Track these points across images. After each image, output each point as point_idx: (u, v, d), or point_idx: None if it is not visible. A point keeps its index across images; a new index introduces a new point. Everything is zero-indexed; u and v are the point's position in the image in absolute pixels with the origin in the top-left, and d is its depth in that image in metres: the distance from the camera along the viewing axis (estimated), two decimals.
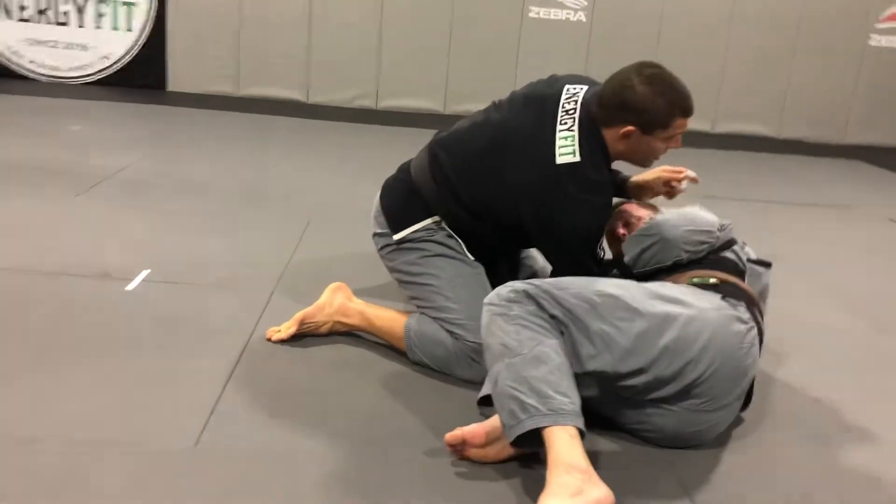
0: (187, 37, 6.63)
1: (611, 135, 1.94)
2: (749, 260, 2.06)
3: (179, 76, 6.74)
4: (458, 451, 1.65)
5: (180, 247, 2.88)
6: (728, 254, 2.05)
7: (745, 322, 1.75)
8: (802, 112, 7.15)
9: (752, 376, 1.84)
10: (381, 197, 2.24)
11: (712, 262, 2.00)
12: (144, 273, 2.57)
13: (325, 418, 1.82)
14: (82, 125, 4.96)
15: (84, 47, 6.61)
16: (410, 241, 2.15)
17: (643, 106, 1.89)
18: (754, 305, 1.93)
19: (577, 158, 1.90)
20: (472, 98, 6.91)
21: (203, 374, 1.97)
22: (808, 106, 7.13)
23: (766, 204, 4.47)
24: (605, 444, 1.81)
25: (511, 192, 1.97)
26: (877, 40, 7.03)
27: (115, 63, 6.66)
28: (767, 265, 2.10)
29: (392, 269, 2.24)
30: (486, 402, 1.72)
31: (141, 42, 6.64)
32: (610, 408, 1.83)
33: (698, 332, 1.68)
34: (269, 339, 2.18)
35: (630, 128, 1.91)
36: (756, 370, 1.84)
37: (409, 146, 5.47)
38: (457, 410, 1.87)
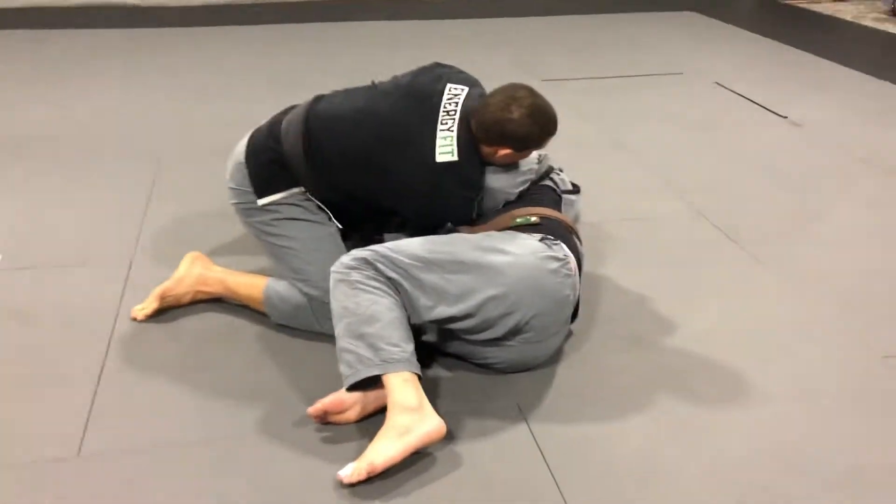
0: None
1: (487, 150, 2.12)
2: (563, 191, 2.28)
3: None
4: (322, 419, 1.86)
5: (27, 221, 2.85)
6: (547, 182, 2.27)
7: (559, 259, 1.98)
8: None
9: (576, 297, 2.09)
10: (248, 157, 2.23)
11: (533, 193, 2.22)
12: None
13: (203, 400, 1.96)
14: None
15: None
16: (271, 205, 2.23)
17: (523, 136, 2.09)
18: (572, 232, 2.17)
19: (455, 158, 2.06)
20: None
21: (75, 370, 2.05)
22: None
23: (601, 81, 4.69)
24: (451, 379, 2.05)
25: (392, 186, 2.11)
26: None
27: None
28: (577, 191, 2.33)
29: (247, 224, 2.32)
30: (354, 389, 1.88)
31: None
32: (455, 347, 2.07)
33: (516, 279, 1.90)
34: (134, 319, 2.27)
35: (507, 150, 2.11)
36: (578, 291, 2.10)
37: (255, 51, 5.35)
38: (321, 368, 2.05)
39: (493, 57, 5.11)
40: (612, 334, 2.27)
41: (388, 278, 1.91)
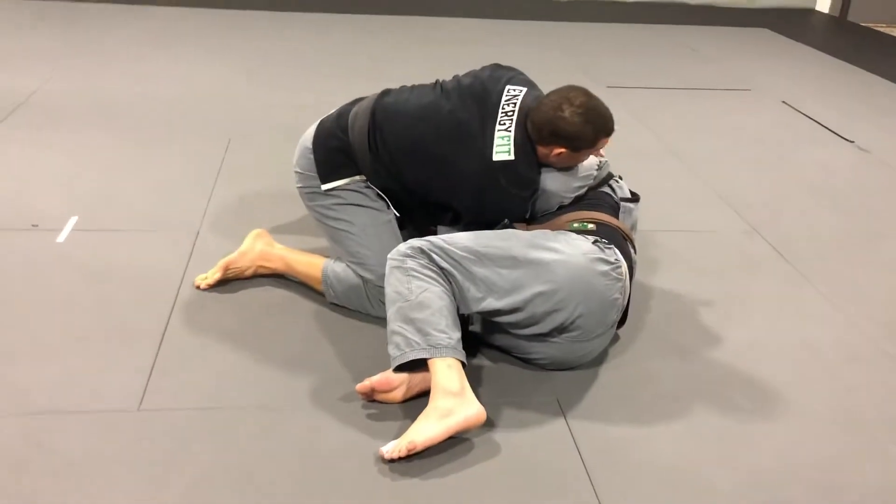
0: None
1: (543, 150, 2.16)
2: (622, 199, 2.32)
3: None
4: (368, 396, 1.93)
5: (103, 186, 2.99)
6: (605, 188, 2.31)
7: (610, 262, 2.02)
8: None
9: (625, 302, 2.14)
10: (315, 144, 2.32)
11: (591, 199, 2.26)
12: (73, 221, 2.70)
13: (257, 368, 2.06)
14: None
15: None
16: (334, 190, 2.32)
17: (574, 135, 2.11)
18: (627, 240, 2.21)
19: (511, 157, 2.12)
20: None
21: (139, 330, 2.17)
22: None
23: (666, 91, 4.69)
24: (495, 371, 2.11)
25: (450, 181, 2.18)
26: None
27: None
28: (636, 200, 2.36)
29: (310, 207, 2.42)
30: (401, 370, 1.95)
31: None
32: (500, 339, 2.13)
33: (565, 278, 1.95)
34: (197, 287, 2.39)
35: (561, 150, 2.14)
36: (627, 297, 2.14)
37: (333, 40, 5.48)
38: (370, 348, 2.13)
39: (560, 60, 5.14)
40: (657, 342, 2.30)
41: (441, 268, 1.98)
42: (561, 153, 2.15)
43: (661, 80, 4.89)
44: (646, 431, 1.94)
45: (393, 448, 1.75)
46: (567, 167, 2.23)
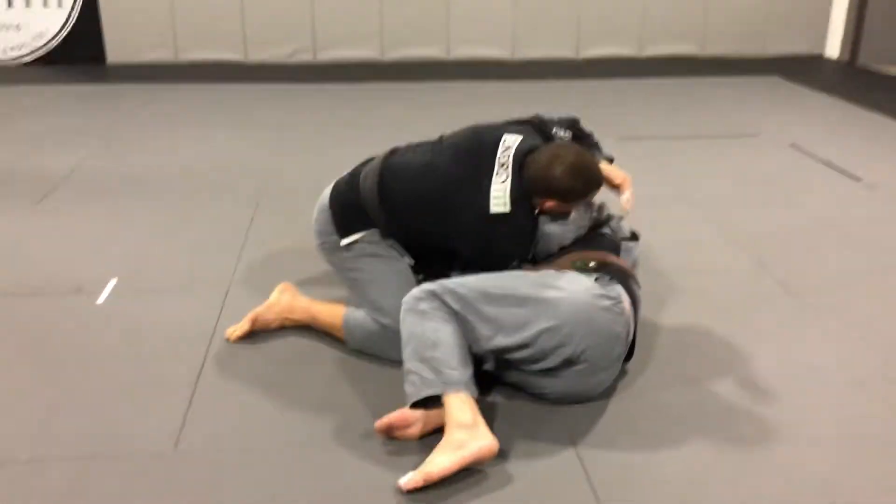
0: (120, 5, 6.70)
1: (538, 201, 2.31)
2: (622, 238, 2.45)
3: (116, 47, 6.84)
4: (387, 433, 2.05)
5: (140, 250, 3.19)
6: (605, 230, 2.45)
7: (611, 297, 2.14)
8: (723, 28, 7.46)
9: (629, 337, 2.24)
10: (331, 202, 2.51)
11: (591, 239, 2.41)
12: (112, 283, 2.89)
13: (284, 411, 2.19)
14: (27, 116, 5.13)
15: (17, 27, 6.67)
16: (351, 244, 2.48)
17: (565, 190, 2.26)
18: (629, 277, 2.33)
19: (507, 209, 2.26)
20: (409, 44, 7.13)
21: (174, 379, 2.33)
22: (728, 21, 7.44)
23: (676, 140, 4.83)
24: (507, 406, 2.22)
25: (453, 233, 2.34)
26: None
27: (50, 40, 6.73)
28: (635, 239, 2.49)
29: (330, 262, 2.59)
30: (416, 407, 2.07)
31: (74, 16, 6.70)
32: (512, 376, 2.24)
33: (569, 314, 2.07)
34: (227, 339, 2.54)
35: (553, 202, 2.30)
36: (630, 330, 2.24)
37: (348, 107, 5.75)
38: (389, 390, 2.25)
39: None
40: (664, 374, 2.39)
41: (453, 310, 2.11)
42: (553, 205, 2.30)
43: (672, 131, 5.03)
44: (653, 457, 2.03)
45: (410, 479, 1.86)
46: (563, 213, 2.37)
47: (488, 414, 2.14)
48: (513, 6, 7.12)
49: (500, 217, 2.27)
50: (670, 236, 3.38)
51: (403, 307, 2.15)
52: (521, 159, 2.30)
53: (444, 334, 2.06)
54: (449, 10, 7.09)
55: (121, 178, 4.06)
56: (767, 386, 2.34)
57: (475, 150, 2.37)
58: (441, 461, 1.88)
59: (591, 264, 2.28)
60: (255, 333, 2.56)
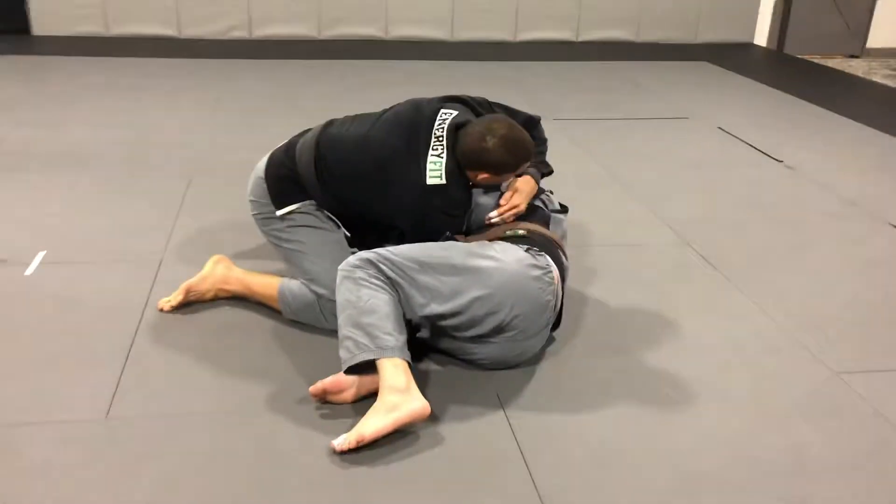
0: None
1: (471, 174, 2.36)
2: (552, 210, 2.52)
3: (43, 19, 6.63)
4: (322, 398, 2.09)
5: (70, 223, 3.14)
6: (537, 202, 2.52)
7: (541, 267, 2.21)
8: (658, 15, 7.63)
9: (558, 305, 2.32)
10: (267, 174, 2.51)
11: (525, 211, 2.46)
12: (41, 255, 2.84)
13: (218, 379, 2.21)
14: None
15: None
16: (286, 214, 2.50)
17: (497, 162, 2.32)
18: (557, 247, 2.41)
19: (443, 181, 2.30)
20: (347, 22, 7.10)
21: (106, 350, 2.31)
22: (664, 8, 7.61)
23: (607, 122, 4.95)
24: (440, 372, 2.28)
25: (390, 205, 2.37)
26: None
27: None
28: (565, 211, 2.57)
29: (265, 233, 2.60)
30: (351, 372, 2.11)
31: None
32: (445, 343, 2.30)
33: (501, 283, 2.14)
34: (160, 310, 2.53)
35: (486, 175, 2.35)
36: (559, 299, 2.32)
37: (285, 85, 5.72)
38: (324, 358, 2.28)
39: (509, 97, 5.39)
40: (590, 342, 2.48)
41: (388, 277, 2.15)
42: (485, 177, 2.35)
43: (605, 113, 5.15)
44: (578, 418, 2.12)
45: (343, 440, 1.91)
46: (496, 186, 2.42)
47: (422, 380, 2.20)
48: None
49: (435, 188, 2.31)
50: (599, 213, 3.48)
51: (340, 274, 2.18)
52: (454, 132, 2.35)
53: (379, 301, 2.10)
54: None
55: (49, 150, 3.96)
56: (689, 353, 2.45)
57: (414, 122, 2.41)
58: (374, 423, 1.93)
59: (521, 232, 2.35)
60: (189, 304, 2.56)
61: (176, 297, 2.54)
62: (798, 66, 7.18)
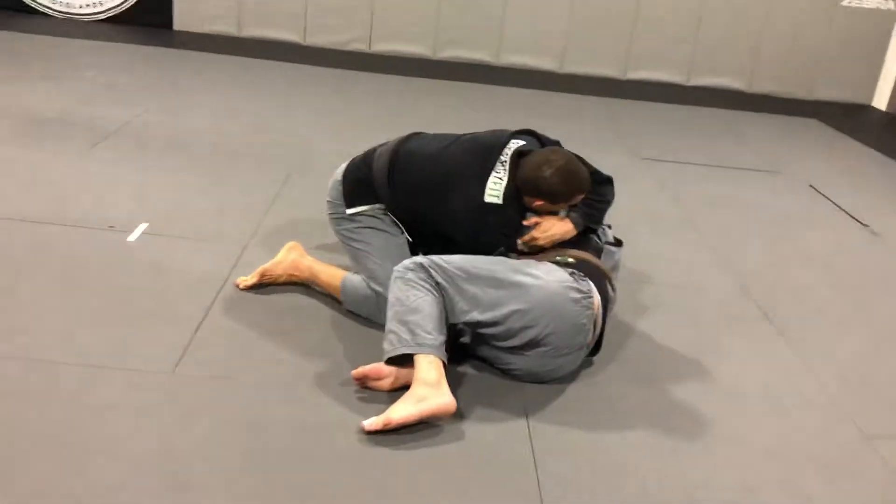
0: None
1: (528, 200, 2.55)
2: (606, 242, 2.65)
3: (184, 16, 7.20)
4: (362, 382, 2.28)
5: (175, 201, 3.48)
6: (592, 234, 2.65)
7: (582, 291, 2.35)
8: (773, 67, 7.55)
9: (596, 331, 2.44)
10: (344, 177, 2.77)
11: (577, 240, 2.62)
12: (143, 226, 3.17)
13: (277, 352, 2.45)
14: (94, 70, 5.48)
15: None
16: (356, 215, 2.73)
17: (551, 191, 2.49)
18: (605, 278, 2.53)
19: (500, 202, 2.50)
20: (461, 45, 7.38)
21: (183, 314, 2.59)
22: (779, 61, 7.53)
23: (696, 166, 4.98)
24: (475, 377, 2.44)
25: (447, 217, 2.57)
26: (848, 1, 7.37)
27: (124, 1, 7.12)
28: (619, 244, 2.69)
29: (336, 232, 2.83)
30: (391, 363, 2.29)
31: None
32: (484, 351, 2.46)
33: (539, 299, 2.29)
34: (236, 286, 2.80)
35: (541, 202, 2.53)
36: (598, 325, 2.44)
37: (394, 100, 5.98)
38: (371, 348, 2.47)
39: (602, 133, 5.51)
40: (624, 371, 2.59)
41: (436, 282, 2.33)
42: (540, 204, 2.52)
43: (696, 157, 5.19)
44: (595, 437, 2.23)
45: (372, 421, 2.09)
46: (549, 212, 2.58)
47: (457, 381, 2.37)
48: (567, 20, 7.32)
49: (491, 207, 2.49)
50: (667, 254, 3.56)
51: (394, 275, 2.38)
52: (517, 160, 2.52)
53: (424, 303, 2.28)
54: (504, 16, 7.31)
55: (168, 135, 4.36)
56: (718, 395, 2.52)
57: (486, 146, 2.60)
58: (402, 410, 2.11)
59: (570, 260, 2.49)
60: (262, 286, 2.82)
61: (252, 278, 2.81)
62: None
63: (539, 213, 2.58)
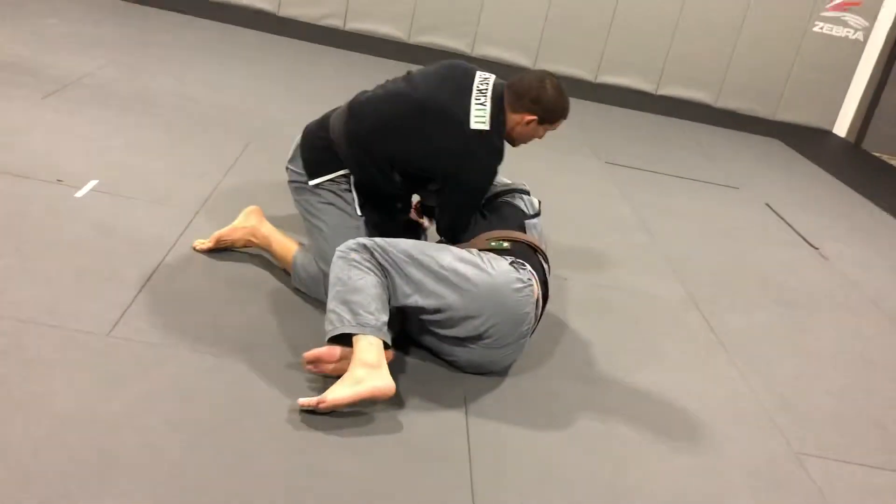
0: None
1: (515, 118, 2.56)
2: (533, 214, 2.71)
3: None
4: (314, 365, 2.23)
5: (128, 160, 3.39)
6: (517, 202, 2.72)
7: (523, 281, 2.35)
8: (741, 85, 7.65)
9: (537, 312, 2.44)
10: (302, 145, 2.72)
11: (503, 210, 2.70)
12: (93, 183, 3.08)
13: (217, 324, 2.40)
14: (58, 18, 5.32)
15: None
16: (319, 187, 2.68)
17: (549, 104, 2.55)
18: (538, 252, 2.56)
19: (487, 127, 2.50)
20: (437, 31, 7.33)
21: (126, 277, 2.52)
22: (747, 79, 7.63)
23: (657, 175, 5.02)
24: (419, 365, 2.43)
25: (428, 149, 2.53)
26: (819, 27, 7.50)
27: None
28: (538, 215, 2.75)
29: (296, 202, 2.78)
30: (331, 342, 2.25)
31: None
32: (427, 340, 2.45)
33: (482, 291, 2.28)
34: (193, 248, 2.75)
35: (533, 116, 2.55)
36: (537, 307, 2.43)
37: (362, 79, 5.92)
38: (317, 326, 2.43)
39: (568, 132, 5.52)
40: (566, 368, 2.60)
41: (379, 264, 2.30)
42: (531, 121, 2.54)
43: (658, 166, 5.23)
44: (531, 434, 2.24)
45: (307, 400, 2.06)
46: (522, 142, 2.65)
47: (399, 369, 2.35)
48: (544, 19, 7.32)
49: (479, 133, 2.48)
50: (617, 256, 3.58)
51: (336, 254, 2.33)
52: (501, 90, 2.55)
53: (366, 283, 2.25)
54: (482, 8, 7.28)
55: (129, 92, 4.25)
56: (656, 398, 2.55)
57: (451, 76, 2.60)
58: (338, 391, 2.08)
59: (505, 244, 2.49)
60: (215, 251, 2.77)
61: (209, 242, 2.77)
62: (871, 163, 7.12)
63: (517, 139, 2.62)
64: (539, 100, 2.53)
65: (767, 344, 3.12)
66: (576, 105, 6.44)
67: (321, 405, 2.05)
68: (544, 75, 2.59)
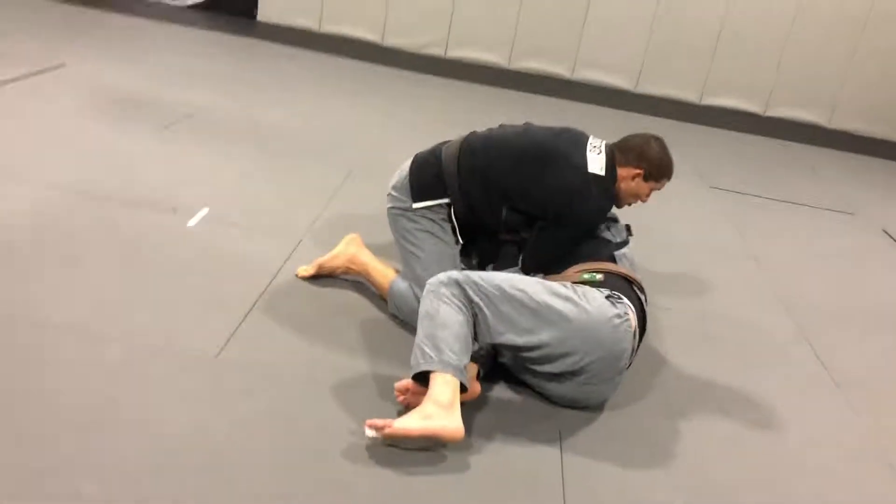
0: None
1: (622, 172, 2.67)
2: (621, 241, 2.69)
3: (268, 7, 7.34)
4: (405, 395, 2.24)
5: (236, 189, 3.54)
6: (605, 234, 2.72)
7: (621, 317, 2.30)
8: (858, 106, 7.31)
9: (635, 344, 2.39)
10: (411, 170, 2.79)
11: (591, 247, 2.66)
12: (204, 211, 3.23)
13: (316, 349, 2.47)
14: (174, 54, 5.63)
15: None
16: (419, 212, 2.73)
17: (656, 161, 2.69)
18: (632, 283, 2.51)
19: (603, 173, 2.63)
20: (537, 56, 7.34)
21: (233, 302, 2.63)
22: (864, 100, 7.28)
23: (766, 201, 4.84)
24: (514, 398, 2.42)
25: (547, 185, 2.62)
26: None
27: None
28: (626, 243, 2.72)
29: (394, 229, 2.84)
30: (416, 379, 2.24)
31: None
32: (522, 374, 2.43)
33: (578, 328, 2.25)
34: (297, 275, 2.84)
35: (640, 171, 2.66)
36: (634, 338, 2.37)
37: (466, 108, 5.96)
38: (408, 357, 2.44)
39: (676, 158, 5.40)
40: (661, 402, 2.54)
41: (470, 300, 2.28)
42: (637, 175, 2.64)
43: (765, 191, 5.05)
44: (626, 473, 2.19)
45: (374, 422, 2.06)
46: (627, 201, 2.73)
47: (494, 401, 2.36)
48: (647, 40, 7.22)
49: (596, 177, 2.62)
50: (721, 285, 3.47)
51: (427, 287, 2.33)
52: (611, 148, 2.68)
53: (453, 321, 2.23)
54: (583, 30, 7.25)
55: (239, 123, 4.44)
56: (756, 440, 2.45)
57: (567, 132, 2.75)
58: (406, 421, 2.07)
59: (598, 277, 2.44)
60: (317, 278, 2.85)
61: (310, 269, 2.86)
62: None
63: (622, 194, 2.70)
64: (644, 156, 2.67)
65: (885, 382, 2.95)
66: (679, 128, 6.33)
67: (387, 429, 2.05)
68: (649, 136, 2.74)
